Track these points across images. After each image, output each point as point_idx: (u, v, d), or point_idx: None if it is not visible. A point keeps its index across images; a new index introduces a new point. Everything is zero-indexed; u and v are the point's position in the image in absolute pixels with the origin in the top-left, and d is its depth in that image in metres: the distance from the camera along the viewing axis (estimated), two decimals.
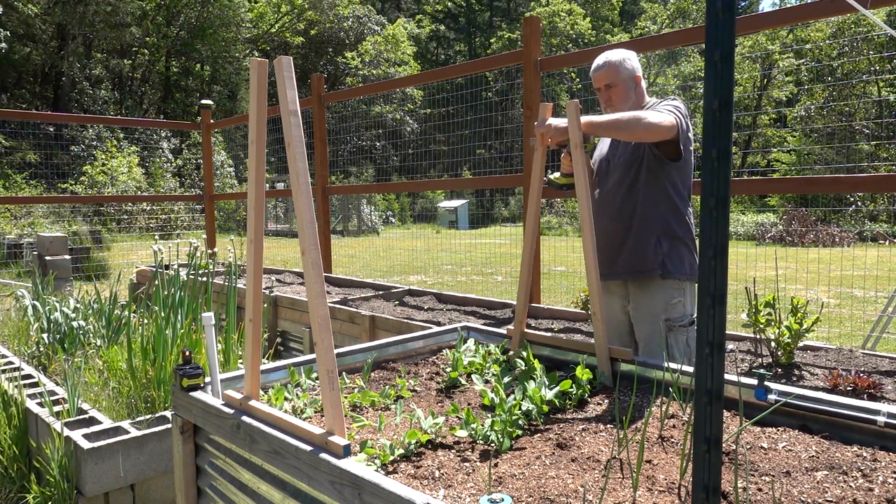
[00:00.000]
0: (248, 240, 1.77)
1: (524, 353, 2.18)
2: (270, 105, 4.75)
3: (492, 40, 42.13)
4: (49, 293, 4.77)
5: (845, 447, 1.61)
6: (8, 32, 21.04)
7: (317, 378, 2.25)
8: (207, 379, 2.00)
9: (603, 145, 2.75)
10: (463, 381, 2.23)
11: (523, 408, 1.87)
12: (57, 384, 3.27)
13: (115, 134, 22.03)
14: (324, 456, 1.44)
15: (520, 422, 1.82)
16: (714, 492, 0.92)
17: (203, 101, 7.88)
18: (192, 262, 3.76)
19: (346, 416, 1.87)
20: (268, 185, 11.25)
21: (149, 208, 15.13)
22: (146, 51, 29.56)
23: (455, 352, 2.38)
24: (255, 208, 1.75)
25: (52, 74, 26.87)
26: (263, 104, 1.76)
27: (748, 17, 3.28)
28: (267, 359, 3.85)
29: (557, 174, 2.58)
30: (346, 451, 1.44)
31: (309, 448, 1.49)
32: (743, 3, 38.83)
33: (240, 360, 3.42)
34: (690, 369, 1.96)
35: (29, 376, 3.35)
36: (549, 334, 2.53)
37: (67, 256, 7.34)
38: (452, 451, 1.69)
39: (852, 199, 16.49)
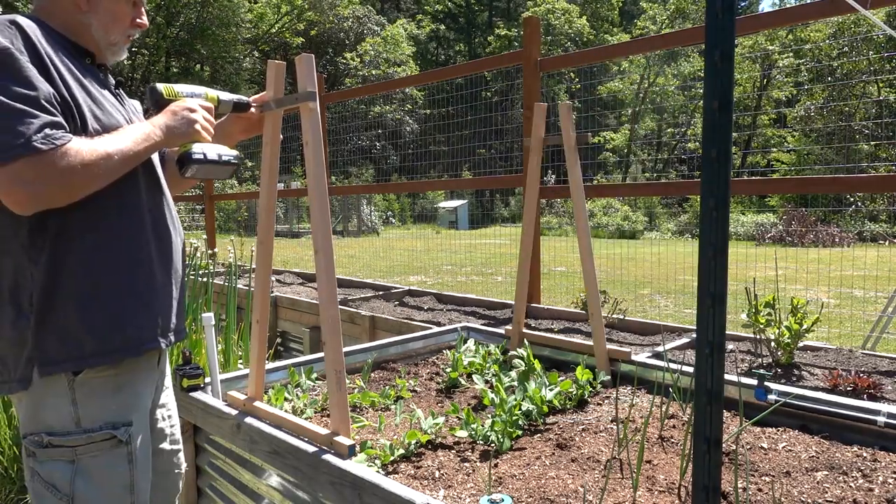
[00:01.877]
0: (258, 241, 1.76)
1: (524, 354, 2.19)
2: None
3: (489, 38, 42.15)
4: None
5: (845, 447, 1.61)
6: None
7: (317, 378, 2.25)
8: (207, 379, 2.00)
9: None
10: (463, 382, 2.23)
11: (523, 408, 1.87)
12: None
13: None
14: (324, 457, 1.45)
15: (520, 422, 1.82)
16: (714, 492, 0.92)
17: None
18: (192, 262, 3.76)
19: None
20: None
21: None
22: (146, 51, 29.57)
23: (455, 352, 2.38)
24: (266, 210, 1.74)
25: None
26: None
27: (748, 18, 3.28)
28: (267, 359, 3.85)
29: None
30: (352, 451, 1.45)
31: (309, 449, 1.49)
32: (743, 4, 38.86)
33: (240, 361, 3.42)
34: (690, 369, 1.96)
35: None
36: (548, 335, 2.53)
37: None
38: (452, 451, 1.69)
39: (852, 200, 16.49)
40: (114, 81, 1.57)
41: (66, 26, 1.44)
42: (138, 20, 1.54)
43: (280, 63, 1.67)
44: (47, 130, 1.23)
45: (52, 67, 1.31)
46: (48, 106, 1.27)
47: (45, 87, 1.28)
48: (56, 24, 1.43)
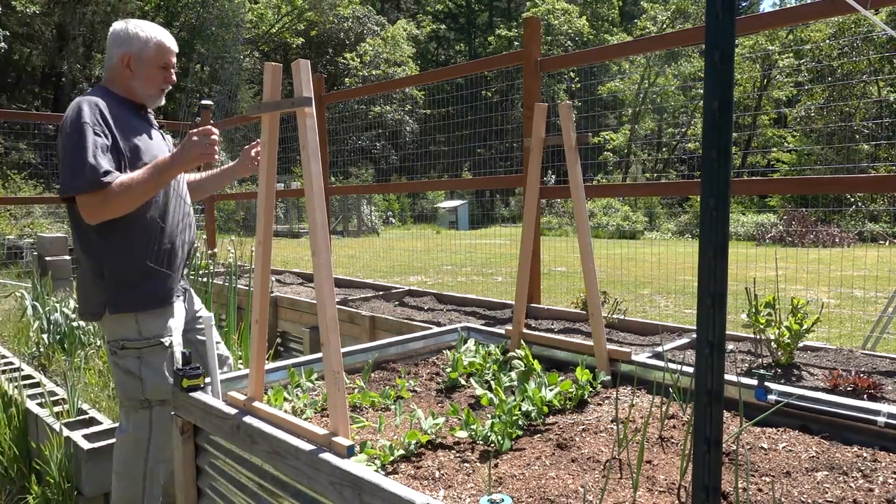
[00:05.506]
0: (257, 241, 1.77)
1: (524, 354, 2.18)
2: None
3: (490, 38, 42.13)
4: (49, 294, 4.77)
5: (845, 447, 1.61)
6: (8, 32, 21.01)
7: (317, 379, 2.25)
8: (207, 380, 2.00)
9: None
10: (463, 382, 2.23)
11: (523, 408, 1.87)
12: (57, 384, 3.27)
13: None
14: (323, 456, 1.44)
15: (520, 422, 1.82)
16: (714, 492, 0.92)
17: (203, 102, 7.86)
18: (192, 262, 3.76)
19: None
20: None
21: None
22: None
23: (455, 352, 2.38)
24: (265, 210, 1.74)
25: (52, 75, 26.87)
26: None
27: (748, 18, 3.28)
28: (267, 359, 3.84)
29: None
30: (351, 452, 1.44)
31: (309, 449, 1.49)
32: (743, 4, 38.82)
33: (240, 361, 3.42)
34: (690, 369, 1.96)
35: (29, 377, 3.35)
36: (548, 335, 2.53)
37: (67, 257, 7.33)
38: (452, 451, 1.69)
39: (852, 200, 16.50)
40: (157, 124, 2.41)
41: (123, 90, 2.27)
42: (168, 78, 2.35)
43: (277, 65, 1.69)
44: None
45: (113, 127, 2.11)
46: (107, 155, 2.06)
47: (102, 141, 2.06)
48: (117, 89, 2.27)
